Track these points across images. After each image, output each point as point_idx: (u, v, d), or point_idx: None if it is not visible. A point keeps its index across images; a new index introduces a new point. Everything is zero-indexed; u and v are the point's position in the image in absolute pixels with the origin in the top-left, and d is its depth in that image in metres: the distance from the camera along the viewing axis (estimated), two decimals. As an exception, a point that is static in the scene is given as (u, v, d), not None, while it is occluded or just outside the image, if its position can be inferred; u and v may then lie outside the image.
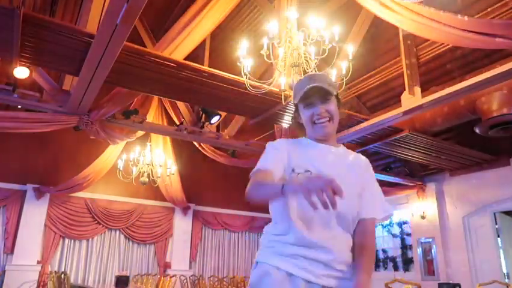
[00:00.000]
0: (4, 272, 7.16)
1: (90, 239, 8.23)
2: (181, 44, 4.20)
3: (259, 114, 5.21)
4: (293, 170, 1.35)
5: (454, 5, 4.80)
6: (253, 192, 1.28)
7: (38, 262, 7.50)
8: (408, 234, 7.58)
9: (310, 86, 1.41)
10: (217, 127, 6.58)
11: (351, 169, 1.45)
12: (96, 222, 8.27)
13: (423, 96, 4.56)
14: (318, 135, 1.46)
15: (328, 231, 1.31)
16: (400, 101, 4.76)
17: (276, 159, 1.38)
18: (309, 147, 1.46)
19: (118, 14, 2.92)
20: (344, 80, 3.50)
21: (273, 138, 6.94)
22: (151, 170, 7.33)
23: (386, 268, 7.87)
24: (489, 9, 4.76)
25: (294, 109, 1.57)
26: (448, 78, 5.65)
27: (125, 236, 8.64)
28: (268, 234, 1.42)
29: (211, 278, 8.51)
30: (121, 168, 7.11)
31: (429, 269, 7.03)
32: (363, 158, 1.55)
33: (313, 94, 1.43)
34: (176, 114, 6.51)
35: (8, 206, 7.49)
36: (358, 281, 1.25)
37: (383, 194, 1.51)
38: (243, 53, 3.52)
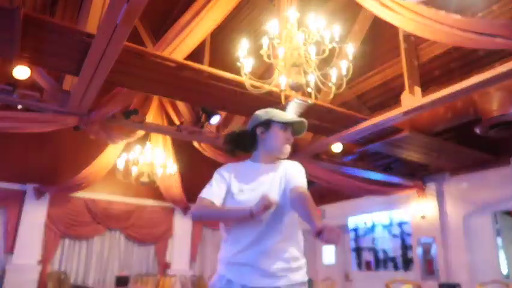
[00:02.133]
0: (4, 271, 7.16)
1: (90, 239, 8.23)
2: (181, 44, 4.20)
3: (259, 114, 5.19)
4: (232, 189, 1.77)
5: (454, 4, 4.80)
6: (203, 216, 1.93)
7: (38, 262, 7.50)
8: (408, 234, 7.58)
9: (303, 120, 1.82)
10: (217, 127, 6.57)
11: (275, 174, 1.77)
12: (96, 222, 8.28)
13: (423, 96, 4.56)
14: (282, 153, 1.81)
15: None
16: (400, 101, 4.76)
17: (219, 188, 1.79)
18: (241, 167, 1.85)
19: (118, 14, 2.92)
20: (344, 80, 3.50)
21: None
22: (151, 170, 7.33)
23: (386, 268, 7.87)
24: (489, 9, 4.76)
25: (253, 123, 1.87)
26: (448, 78, 5.65)
27: (125, 236, 8.65)
28: None
29: (211, 278, 8.51)
30: (121, 168, 7.11)
31: (429, 269, 7.03)
32: (290, 163, 1.83)
33: (301, 127, 1.85)
34: (176, 114, 6.51)
35: (8, 206, 7.49)
36: (316, 226, 1.42)
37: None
38: (243, 53, 3.52)
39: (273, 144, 1.80)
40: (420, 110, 4.61)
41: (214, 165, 7.92)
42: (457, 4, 4.68)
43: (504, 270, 6.35)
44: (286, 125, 1.81)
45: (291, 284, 1.59)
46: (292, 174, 1.75)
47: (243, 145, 1.86)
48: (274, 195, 1.67)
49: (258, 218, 1.54)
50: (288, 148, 1.81)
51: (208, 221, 2.24)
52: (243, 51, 3.52)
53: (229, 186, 1.76)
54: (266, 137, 1.81)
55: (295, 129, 1.85)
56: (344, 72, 3.47)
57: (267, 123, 1.82)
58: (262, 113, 1.88)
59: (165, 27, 6.59)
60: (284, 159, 1.84)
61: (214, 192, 1.75)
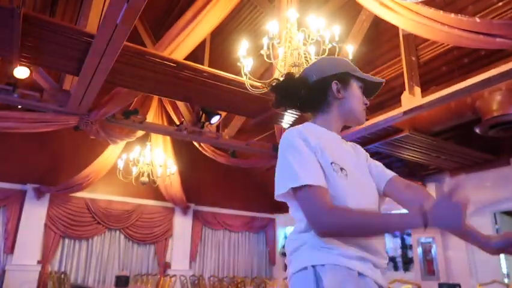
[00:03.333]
0: (4, 272, 7.16)
1: (90, 239, 8.23)
2: (181, 44, 4.20)
3: (259, 114, 5.21)
4: (332, 164, 1.17)
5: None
6: (347, 228, 1.08)
7: (38, 262, 7.50)
8: (408, 234, 7.58)
9: (383, 81, 1.39)
10: (217, 127, 6.58)
11: (359, 157, 1.39)
12: (96, 222, 8.28)
13: (423, 96, 4.56)
14: (361, 121, 1.38)
15: None
16: (400, 101, 4.76)
17: (317, 165, 1.16)
18: (326, 135, 1.28)
19: (118, 14, 2.93)
20: (344, 80, 3.49)
21: (273, 138, 6.95)
22: (151, 170, 7.33)
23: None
24: (489, 9, 4.77)
25: (331, 77, 1.32)
26: (448, 78, 5.65)
27: (125, 236, 8.65)
28: None
29: (211, 278, 8.51)
30: (121, 168, 7.12)
31: (429, 269, 7.02)
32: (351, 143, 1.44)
33: (377, 88, 1.40)
34: (176, 114, 6.51)
35: (8, 206, 7.49)
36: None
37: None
38: (243, 53, 3.52)
39: (354, 108, 1.33)
40: (420, 110, 4.61)
41: (214, 165, 7.96)
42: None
43: (504, 270, 6.35)
44: (365, 84, 1.37)
45: None
46: (374, 161, 1.42)
47: (306, 101, 1.34)
48: (374, 189, 1.30)
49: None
50: (364, 112, 1.38)
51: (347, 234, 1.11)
52: (243, 51, 3.52)
53: (318, 161, 1.17)
54: (345, 97, 1.31)
55: (368, 91, 1.40)
56: (344, 72, 3.46)
57: (345, 78, 1.33)
58: (335, 62, 1.38)
59: (165, 27, 6.59)
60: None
61: (319, 172, 1.14)
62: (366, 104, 1.37)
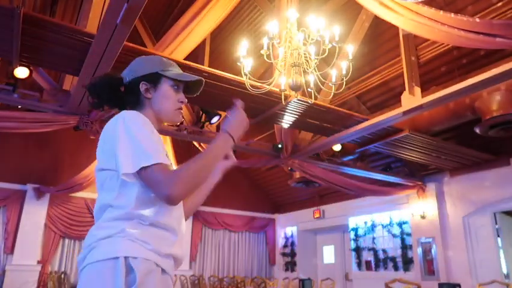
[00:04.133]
0: (4, 272, 7.16)
1: (90, 239, 8.23)
2: (181, 44, 4.20)
3: (259, 114, 5.20)
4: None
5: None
6: (193, 185, 1.16)
7: (38, 262, 7.51)
8: (408, 234, 7.58)
9: (201, 79, 1.42)
10: (217, 127, 6.58)
11: None
12: (96, 222, 8.28)
13: (423, 96, 4.56)
14: (175, 121, 1.43)
15: None
16: (400, 101, 4.76)
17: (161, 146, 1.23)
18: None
19: (118, 14, 2.92)
20: (344, 80, 3.50)
21: (273, 138, 6.95)
22: (151, 170, 7.32)
23: (386, 268, 7.87)
24: (489, 9, 4.77)
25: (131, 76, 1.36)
26: (448, 78, 5.65)
27: (125, 236, 8.65)
28: None
29: (211, 278, 8.51)
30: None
31: (429, 269, 7.02)
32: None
33: (195, 85, 1.44)
34: (176, 114, 6.51)
35: (8, 206, 7.50)
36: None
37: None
38: (243, 53, 3.52)
39: (163, 107, 1.37)
40: (420, 110, 4.61)
41: (214, 165, 7.75)
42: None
43: (504, 270, 6.35)
44: (179, 83, 1.39)
45: None
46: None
47: (115, 102, 1.37)
48: None
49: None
50: (179, 112, 1.41)
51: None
52: (243, 51, 3.52)
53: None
54: (154, 97, 1.35)
55: (189, 88, 1.44)
56: (343, 72, 3.47)
57: (155, 78, 1.36)
58: (146, 62, 1.39)
59: (165, 27, 6.60)
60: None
61: (163, 154, 1.19)
62: (181, 102, 1.40)
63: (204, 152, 1.23)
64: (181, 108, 1.41)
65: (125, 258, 1.08)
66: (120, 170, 1.12)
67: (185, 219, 1.38)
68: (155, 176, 1.11)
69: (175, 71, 1.40)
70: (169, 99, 1.37)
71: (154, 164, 1.11)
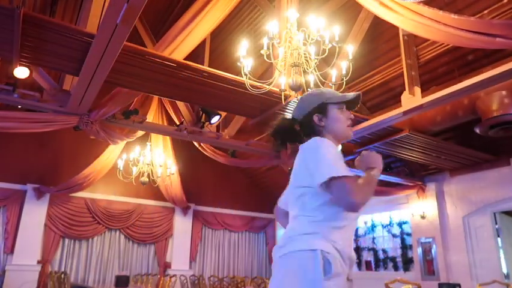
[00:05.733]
0: (4, 272, 7.16)
1: (90, 239, 8.23)
2: (181, 44, 4.20)
3: (259, 114, 5.21)
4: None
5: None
6: (369, 195, 1.38)
7: (38, 262, 7.51)
8: (408, 234, 7.57)
9: (359, 94, 1.62)
10: (217, 127, 6.58)
11: None
12: (96, 222, 8.28)
13: (423, 96, 4.56)
14: (350, 136, 1.65)
15: None
16: (400, 101, 4.76)
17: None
18: None
19: (118, 14, 2.92)
20: (344, 80, 3.50)
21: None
22: (151, 170, 7.33)
23: (386, 268, 7.87)
24: (489, 9, 4.76)
25: (304, 111, 1.60)
26: (448, 78, 5.65)
27: (125, 236, 8.65)
28: None
29: (211, 278, 8.51)
30: (121, 168, 7.12)
31: (429, 269, 7.02)
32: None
33: (356, 99, 1.62)
34: (176, 114, 6.51)
35: (8, 206, 7.50)
36: None
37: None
38: (243, 53, 3.52)
39: (336, 129, 1.58)
40: (420, 110, 4.61)
41: (214, 165, 7.96)
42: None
43: (504, 270, 6.35)
44: (342, 104, 1.60)
45: None
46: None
47: (296, 138, 1.61)
48: None
49: None
50: (351, 129, 1.65)
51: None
52: (243, 51, 3.52)
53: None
54: (326, 124, 1.57)
55: (351, 103, 1.63)
56: (343, 72, 3.47)
57: (323, 108, 1.58)
58: (312, 98, 1.62)
59: (165, 27, 6.60)
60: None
61: (347, 169, 1.43)
62: (350, 119, 1.62)
63: (371, 178, 1.46)
64: (350, 124, 1.63)
65: (321, 251, 1.31)
66: (315, 180, 1.37)
67: None
68: (344, 185, 1.32)
69: (336, 95, 1.61)
70: (339, 121, 1.59)
71: (344, 176, 1.33)
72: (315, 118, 1.57)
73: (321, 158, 1.40)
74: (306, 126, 1.59)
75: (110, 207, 8.49)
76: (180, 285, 8.08)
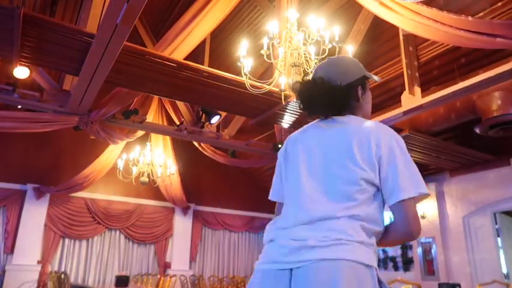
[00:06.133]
0: (4, 272, 7.16)
1: (90, 239, 8.23)
2: (181, 44, 4.20)
3: (259, 114, 5.21)
4: None
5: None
6: None
7: (38, 262, 7.50)
8: (408, 234, 7.57)
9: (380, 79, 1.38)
10: (217, 127, 6.58)
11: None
12: (96, 222, 8.28)
13: (423, 96, 4.56)
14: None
15: None
16: (400, 101, 4.76)
17: None
18: None
19: (118, 14, 2.93)
20: (344, 80, 3.49)
21: (273, 138, 6.95)
22: (151, 170, 7.33)
23: (386, 268, 7.87)
24: (489, 9, 4.76)
25: (357, 85, 1.32)
26: (448, 78, 5.65)
27: (125, 236, 8.65)
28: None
29: (211, 278, 8.51)
30: (121, 168, 7.12)
31: (429, 269, 7.02)
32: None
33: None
34: (176, 114, 6.51)
35: (8, 206, 7.49)
36: None
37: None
38: (243, 53, 3.52)
39: (368, 112, 1.38)
40: (420, 110, 4.61)
41: (214, 165, 7.95)
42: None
43: (504, 270, 6.35)
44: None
45: None
46: None
47: (330, 105, 1.27)
48: None
49: None
50: None
51: None
52: (243, 51, 3.52)
53: None
54: (364, 101, 1.35)
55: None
56: (344, 72, 3.46)
57: (364, 82, 1.35)
58: (356, 65, 1.35)
59: (165, 27, 6.60)
60: None
61: None
62: None
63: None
64: None
65: (376, 269, 1.11)
66: (399, 191, 1.11)
67: None
68: (415, 209, 1.13)
69: (369, 74, 1.38)
70: (370, 103, 1.38)
71: (417, 196, 1.12)
72: (359, 91, 1.31)
73: (411, 163, 1.15)
74: (341, 97, 1.27)
75: (110, 207, 8.48)
76: (180, 285, 8.08)
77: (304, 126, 1.37)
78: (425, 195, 1.14)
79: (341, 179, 1.16)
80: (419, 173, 1.15)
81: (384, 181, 1.14)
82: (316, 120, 1.34)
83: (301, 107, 1.31)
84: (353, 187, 1.14)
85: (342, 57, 1.41)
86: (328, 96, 1.26)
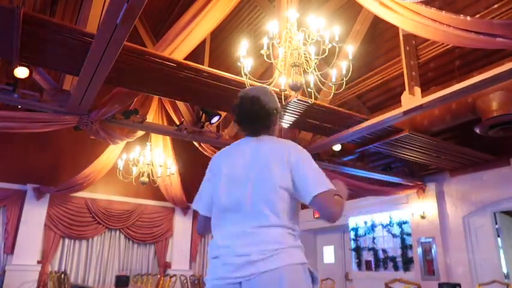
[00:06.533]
0: (4, 272, 7.16)
1: (90, 239, 8.23)
2: (181, 44, 4.20)
3: (259, 114, 5.19)
4: None
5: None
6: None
7: (38, 262, 7.51)
8: (408, 234, 7.57)
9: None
10: (217, 127, 6.57)
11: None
12: (96, 222, 8.28)
13: (423, 96, 4.56)
14: None
15: None
16: (400, 101, 4.75)
17: None
18: None
19: (118, 14, 2.92)
20: (344, 80, 3.50)
21: (273, 138, 6.95)
22: (151, 170, 7.33)
23: (386, 268, 7.87)
24: (489, 9, 4.76)
25: (277, 114, 1.63)
26: (448, 78, 5.65)
27: (125, 236, 8.65)
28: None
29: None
30: (121, 168, 7.12)
31: (429, 269, 7.02)
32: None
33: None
34: (176, 114, 6.51)
35: (8, 206, 7.50)
36: None
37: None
38: (243, 53, 3.52)
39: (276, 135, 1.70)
40: (420, 110, 4.61)
41: (214, 165, 7.70)
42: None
43: (504, 270, 6.35)
44: None
45: None
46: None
47: (267, 129, 1.60)
48: None
49: None
50: None
51: None
52: (243, 51, 3.52)
53: None
54: (273, 130, 1.63)
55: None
56: (343, 72, 3.47)
57: (279, 113, 1.64)
58: (275, 97, 1.63)
59: (165, 27, 6.60)
60: None
61: None
62: None
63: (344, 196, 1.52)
64: None
65: (307, 263, 1.41)
66: (312, 189, 1.39)
67: None
68: (333, 198, 1.40)
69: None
70: (277, 129, 1.67)
71: (332, 189, 1.42)
72: (276, 118, 1.60)
73: (317, 168, 1.44)
74: (273, 120, 1.58)
75: (110, 207, 8.49)
76: (180, 285, 8.08)
77: (232, 144, 1.60)
78: (342, 193, 1.48)
79: (263, 189, 1.40)
80: (324, 174, 1.44)
81: (298, 185, 1.41)
82: (242, 139, 1.58)
83: (239, 121, 1.56)
84: (274, 195, 1.40)
85: (270, 90, 1.64)
86: (267, 117, 1.54)
